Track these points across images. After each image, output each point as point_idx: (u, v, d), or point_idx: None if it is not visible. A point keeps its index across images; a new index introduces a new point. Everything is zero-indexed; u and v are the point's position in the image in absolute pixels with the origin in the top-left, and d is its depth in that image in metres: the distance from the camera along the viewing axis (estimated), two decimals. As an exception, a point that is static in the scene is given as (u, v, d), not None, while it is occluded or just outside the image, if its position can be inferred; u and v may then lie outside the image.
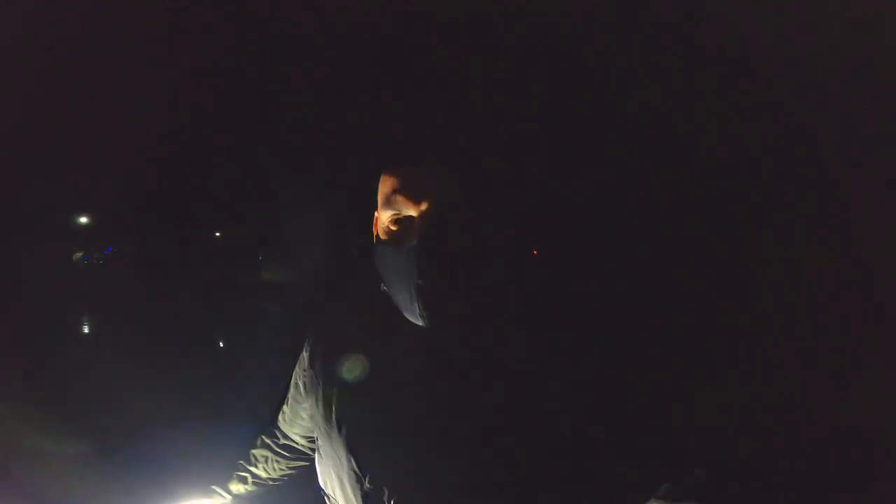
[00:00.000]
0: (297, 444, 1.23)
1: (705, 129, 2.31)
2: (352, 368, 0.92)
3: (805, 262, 2.11)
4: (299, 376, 1.11)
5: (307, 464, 1.20)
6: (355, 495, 0.89)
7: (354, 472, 0.88)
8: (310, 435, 1.15)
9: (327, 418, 0.94)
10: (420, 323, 0.86)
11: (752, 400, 2.14)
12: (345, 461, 0.90)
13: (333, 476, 0.94)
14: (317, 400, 0.99)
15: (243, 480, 1.25)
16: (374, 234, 0.95)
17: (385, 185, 0.89)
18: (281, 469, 1.25)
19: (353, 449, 0.89)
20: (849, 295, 2.05)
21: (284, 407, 1.21)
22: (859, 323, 2.02)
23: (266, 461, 1.25)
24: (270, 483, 1.27)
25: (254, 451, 1.27)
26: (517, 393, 0.82)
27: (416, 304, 0.84)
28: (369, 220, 0.98)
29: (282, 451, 1.24)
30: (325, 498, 1.01)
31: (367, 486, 0.86)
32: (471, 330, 0.87)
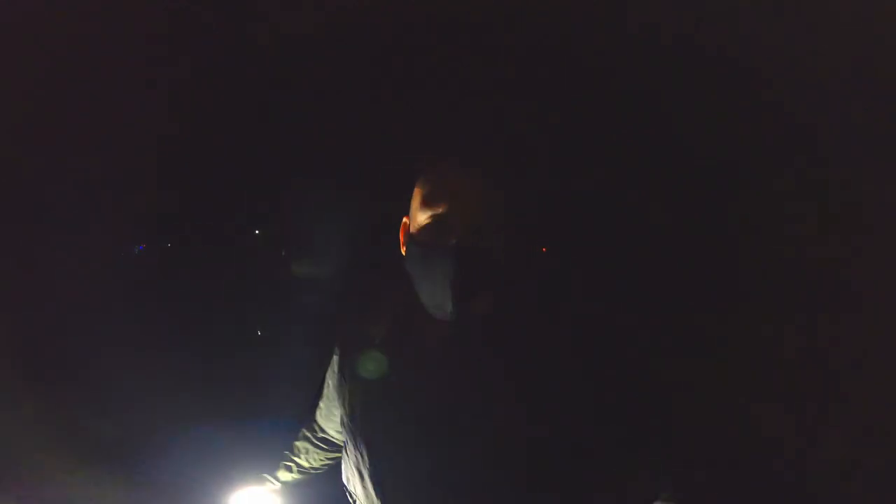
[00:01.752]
0: (333, 437, 1.29)
1: (709, 130, 2.38)
2: (375, 371, 0.97)
3: (805, 263, 2.19)
4: (330, 377, 1.16)
5: None
6: (376, 494, 0.93)
7: (376, 471, 0.93)
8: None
9: (352, 419, 0.99)
10: (447, 319, 0.89)
11: (753, 400, 2.20)
12: (367, 461, 0.94)
13: (356, 474, 0.98)
14: (343, 400, 1.04)
15: (289, 469, 1.33)
16: (403, 235, 0.99)
17: (425, 186, 0.93)
18: (320, 459, 1.33)
19: (374, 450, 0.93)
20: (848, 295, 2.12)
21: (321, 402, 1.26)
22: (859, 324, 2.10)
23: (307, 452, 1.32)
24: (312, 472, 1.34)
25: (296, 443, 1.34)
26: (538, 398, 0.85)
27: (448, 302, 0.87)
28: (394, 223, 1.02)
29: (320, 444, 1.31)
30: (348, 494, 1.06)
31: (387, 486, 0.91)
32: (494, 333, 0.91)
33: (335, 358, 1.12)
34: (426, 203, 0.91)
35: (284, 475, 1.33)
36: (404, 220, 0.98)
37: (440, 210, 0.89)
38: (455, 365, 0.90)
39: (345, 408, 1.03)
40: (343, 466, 1.06)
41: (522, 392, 0.86)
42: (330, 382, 1.16)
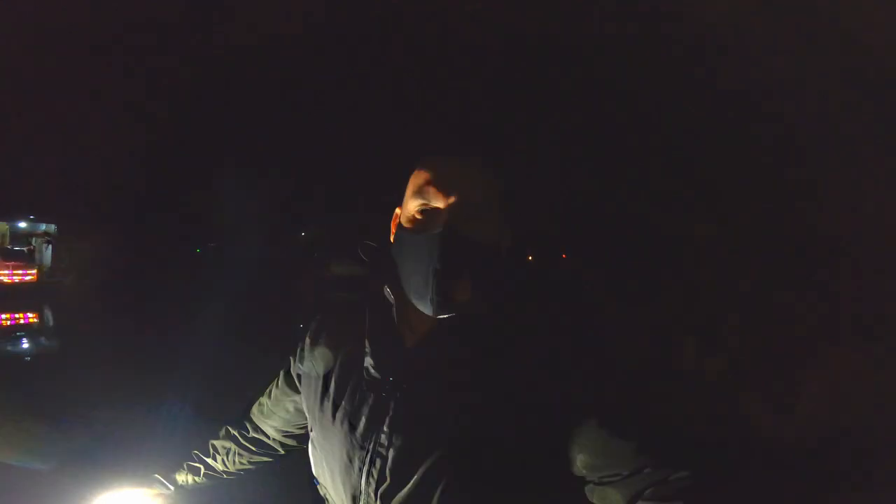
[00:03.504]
0: (267, 437, 1.20)
1: (717, 138, 2.28)
2: (348, 365, 0.95)
3: (805, 264, 2.06)
4: (294, 368, 1.10)
5: (270, 460, 1.20)
6: (345, 487, 0.91)
7: (345, 464, 0.89)
8: (287, 429, 1.16)
9: (323, 410, 0.96)
10: (429, 310, 0.88)
11: (740, 400, 2.09)
12: (337, 454, 0.91)
13: (325, 467, 0.96)
14: (313, 392, 1.00)
15: (194, 472, 1.17)
16: (394, 226, 0.98)
17: (418, 178, 0.93)
18: (241, 463, 1.20)
19: (345, 443, 0.90)
20: (848, 296, 2.00)
21: (263, 399, 1.19)
22: (858, 324, 1.97)
23: (227, 453, 1.20)
24: (224, 477, 1.20)
25: (214, 442, 1.21)
26: (510, 394, 0.83)
27: (430, 289, 0.86)
28: (382, 219, 1.02)
29: (248, 445, 1.20)
30: (319, 487, 1.01)
31: (359, 478, 0.88)
32: (472, 326, 0.89)
33: (303, 348, 1.07)
34: (418, 192, 0.91)
35: (184, 478, 1.16)
36: (397, 211, 0.98)
37: (430, 198, 0.90)
38: (431, 364, 0.88)
39: (315, 401, 0.99)
40: (312, 462, 1.02)
41: (499, 395, 0.84)
42: (292, 374, 1.11)
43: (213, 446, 1.21)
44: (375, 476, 0.86)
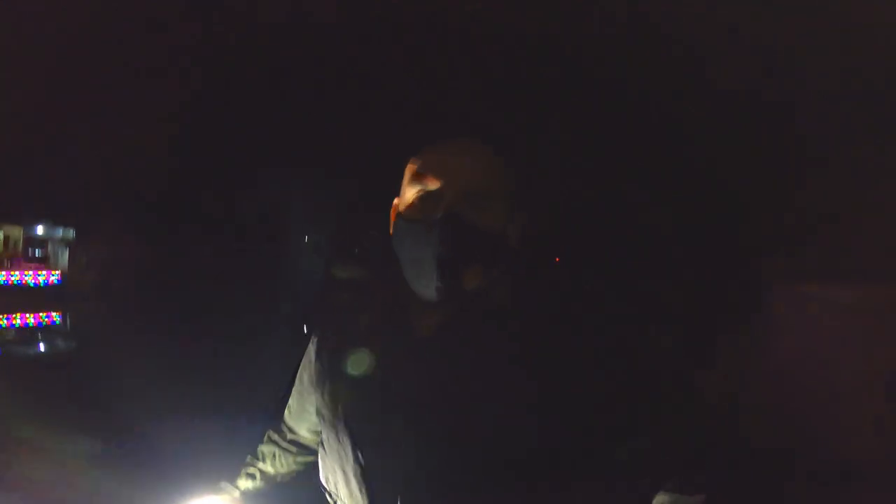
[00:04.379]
0: (303, 438, 1.23)
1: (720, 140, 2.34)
2: (359, 363, 0.92)
3: (805, 265, 2.14)
4: (305, 369, 1.12)
5: (315, 458, 1.19)
6: (360, 491, 0.88)
7: (360, 468, 0.87)
8: (316, 429, 1.13)
9: (334, 413, 0.94)
10: (435, 299, 0.85)
11: (759, 396, 2.16)
12: (351, 457, 0.89)
13: (338, 471, 0.93)
14: (323, 394, 0.99)
15: (252, 477, 1.25)
16: (393, 216, 0.96)
17: (415, 164, 0.91)
18: (289, 464, 1.26)
19: (359, 445, 0.88)
20: (846, 297, 2.08)
21: (291, 401, 1.21)
22: (858, 325, 2.06)
23: (274, 457, 1.25)
24: (279, 479, 1.27)
25: (261, 448, 1.27)
26: (523, 391, 0.81)
27: (433, 275, 0.84)
28: (379, 214, 1.01)
29: (289, 447, 1.25)
30: (327, 494, 1.00)
31: (374, 482, 0.86)
32: (484, 315, 0.87)
33: (312, 348, 1.08)
34: (415, 177, 0.89)
35: (246, 483, 1.25)
36: (395, 201, 0.96)
37: (428, 183, 0.87)
38: (441, 361, 0.85)
39: (324, 400, 0.98)
40: (321, 466, 1.01)
41: (510, 391, 0.81)
42: (304, 376, 1.12)
43: (262, 451, 1.27)
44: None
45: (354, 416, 0.91)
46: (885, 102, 1.75)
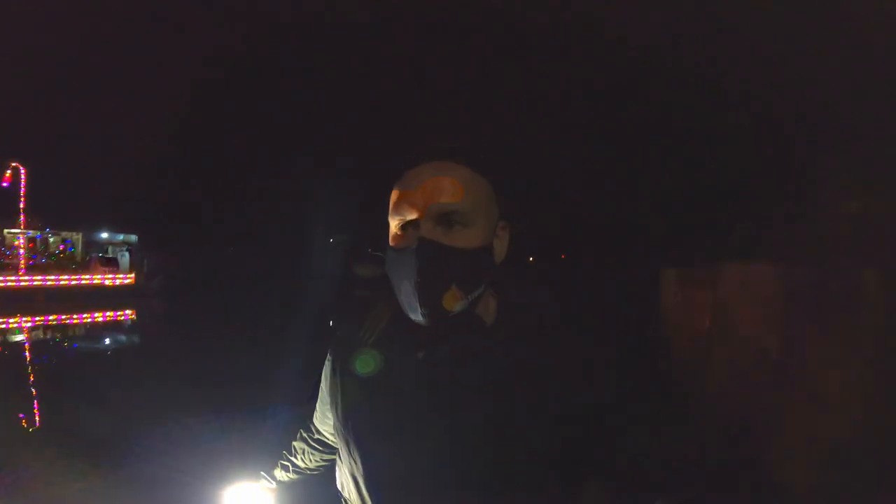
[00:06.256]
0: (327, 439, 1.33)
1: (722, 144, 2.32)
2: (366, 374, 0.99)
3: (806, 266, 2.11)
4: (324, 380, 1.19)
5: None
6: (371, 499, 0.94)
7: (371, 477, 0.94)
8: None
9: (345, 426, 1.01)
10: (422, 321, 0.90)
11: (751, 412, 2.15)
12: (361, 467, 0.96)
13: (350, 478, 1.00)
14: (335, 404, 1.06)
15: (285, 469, 1.40)
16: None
17: (393, 195, 0.95)
18: (316, 461, 1.37)
19: (368, 455, 0.95)
20: (846, 298, 2.04)
21: (318, 404, 1.30)
22: (857, 328, 2.01)
23: (304, 453, 1.37)
24: (308, 472, 1.40)
25: (294, 444, 1.41)
26: (511, 406, 0.86)
27: (416, 303, 0.88)
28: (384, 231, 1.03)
29: (316, 445, 1.36)
30: (343, 501, 1.07)
31: (381, 491, 0.93)
32: (468, 332, 0.92)
33: (328, 361, 1.16)
34: (395, 207, 0.94)
35: (281, 475, 1.40)
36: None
37: (405, 213, 0.91)
38: (438, 373, 0.92)
39: (336, 411, 1.05)
40: (337, 473, 1.09)
41: (502, 402, 0.87)
42: (324, 386, 1.20)
43: (293, 447, 1.39)
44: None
45: (362, 431, 0.98)
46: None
